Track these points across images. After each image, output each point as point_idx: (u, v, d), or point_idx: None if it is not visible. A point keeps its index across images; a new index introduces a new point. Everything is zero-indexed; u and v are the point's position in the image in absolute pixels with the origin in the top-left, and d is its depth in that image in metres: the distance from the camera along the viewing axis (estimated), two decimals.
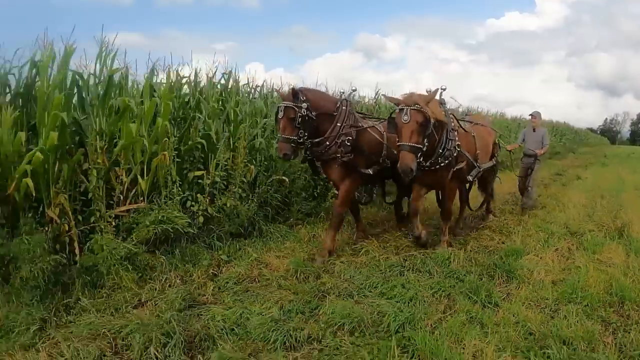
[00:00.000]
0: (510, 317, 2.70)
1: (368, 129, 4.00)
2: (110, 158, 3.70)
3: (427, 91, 3.69)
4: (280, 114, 3.77)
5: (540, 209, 6.26)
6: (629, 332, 2.59)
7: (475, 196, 5.56)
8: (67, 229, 3.38)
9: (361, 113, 4.63)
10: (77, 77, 3.71)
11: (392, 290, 2.99)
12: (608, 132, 66.14)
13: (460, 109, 12.44)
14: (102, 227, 3.52)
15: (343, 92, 4.32)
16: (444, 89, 3.83)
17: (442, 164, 3.74)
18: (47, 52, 3.47)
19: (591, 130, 49.42)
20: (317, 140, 3.84)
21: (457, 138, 3.83)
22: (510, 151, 6.43)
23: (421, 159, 3.52)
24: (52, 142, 3.19)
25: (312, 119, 3.78)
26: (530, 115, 6.55)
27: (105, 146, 3.65)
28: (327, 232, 3.98)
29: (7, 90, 3.50)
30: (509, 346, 2.37)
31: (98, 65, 3.84)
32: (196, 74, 4.83)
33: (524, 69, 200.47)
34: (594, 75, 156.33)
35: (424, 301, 2.85)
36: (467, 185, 4.99)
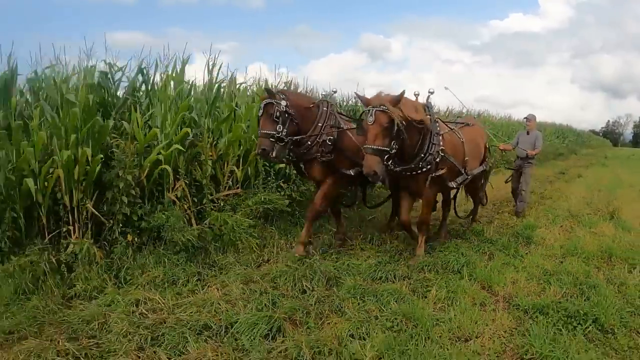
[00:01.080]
0: (533, 263, 4.04)
1: (348, 130, 4.09)
2: (217, 152, 4.84)
3: (429, 92, 3.95)
4: (260, 112, 3.94)
5: (547, 199, 7.63)
6: (613, 271, 3.94)
7: (464, 202, 5.91)
8: (184, 208, 4.49)
9: (344, 115, 4.73)
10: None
11: (447, 249, 4.33)
12: (610, 134, 67.57)
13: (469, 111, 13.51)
14: (212, 207, 4.68)
15: (324, 93, 4.68)
16: (432, 93, 3.98)
17: (423, 169, 3.76)
18: (172, 64, 4.78)
19: (593, 132, 50.38)
20: (298, 140, 3.98)
21: (441, 143, 3.82)
22: (502, 151, 6.64)
23: (389, 163, 3.49)
24: (180, 137, 4.29)
25: (291, 115, 3.90)
26: (525, 118, 6.75)
27: (214, 142, 4.86)
28: (305, 225, 4.30)
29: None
30: (534, 277, 3.71)
31: (206, 74, 5.16)
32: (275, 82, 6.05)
33: (527, 70, 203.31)
34: (598, 77, 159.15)
35: (472, 254, 4.19)
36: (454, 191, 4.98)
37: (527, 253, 4.38)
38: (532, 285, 3.55)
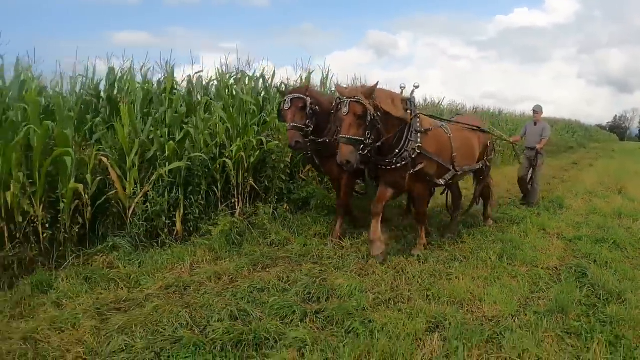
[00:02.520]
0: (567, 218, 6.06)
1: None
2: None
3: (414, 86, 4.05)
4: (287, 105, 4.23)
5: (567, 182, 9.66)
6: (622, 221, 5.96)
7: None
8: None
9: None
10: None
11: (507, 210, 6.34)
12: (617, 129, 68.26)
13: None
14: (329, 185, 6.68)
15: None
16: (417, 87, 4.07)
17: (398, 165, 3.86)
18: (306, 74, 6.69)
19: (600, 127, 51.31)
20: (318, 137, 4.38)
21: (419, 140, 3.86)
22: (512, 143, 7.12)
23: (367, 152, 3.57)
24: None
25: (317, 112, 4.30)
26: (533, 109, 7.08)
27: None
28: (336, 221, 4.76)
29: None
30: (570, 225, 5.70)
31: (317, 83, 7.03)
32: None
33: (533, 65, 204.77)
34: (605, 72, 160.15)
35: (526, 213, 6.19)
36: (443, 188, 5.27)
37: (562, 213, 6.41)
38: (570, 228, 5.55)
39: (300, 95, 4.28)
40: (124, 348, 2.62)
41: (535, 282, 3.66)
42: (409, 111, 3.91)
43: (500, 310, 3.05)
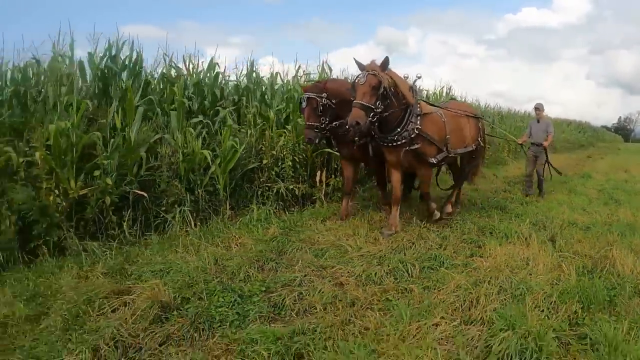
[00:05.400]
0: (594, 182, 10.53)
1: None
2: None
3: (417, 76, 4.64)
4: (304, 104, 4.58)
5: (587, 167, 14.31)
6: (628, 184, 10.53)
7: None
8: None
9: None
10: None
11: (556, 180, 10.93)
12: (622, 130, 71.67)
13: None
14: None
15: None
16: (419, 77, 4.64)
17: (398, 142, 4.43)
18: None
19: (605, 127, 55.01)
20: (337, 123, 4.69)
21: (418, 122, 4.41)
22: (521, 144, 7.91)
23: (376, 124, 4.15)
24: None
25: (332, 106, 4.56)
26: (535, 107, 7.77)
27: None
28: (343, 200, 5.49)
29: None
30: (597, 184, 10.19)
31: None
32: None
33: (543, 65, 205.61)
34: (614, 73, 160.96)
35: (571, 179, 10.72)
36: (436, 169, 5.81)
37: (590, 180, 10.92)
38: (598, 185, 9.99)
39: (315, 96, 4.63)
40: None
41: (589, 199, 8.14)
42: (412, 95, 4.49)
43: (580, 204, 7.55)
